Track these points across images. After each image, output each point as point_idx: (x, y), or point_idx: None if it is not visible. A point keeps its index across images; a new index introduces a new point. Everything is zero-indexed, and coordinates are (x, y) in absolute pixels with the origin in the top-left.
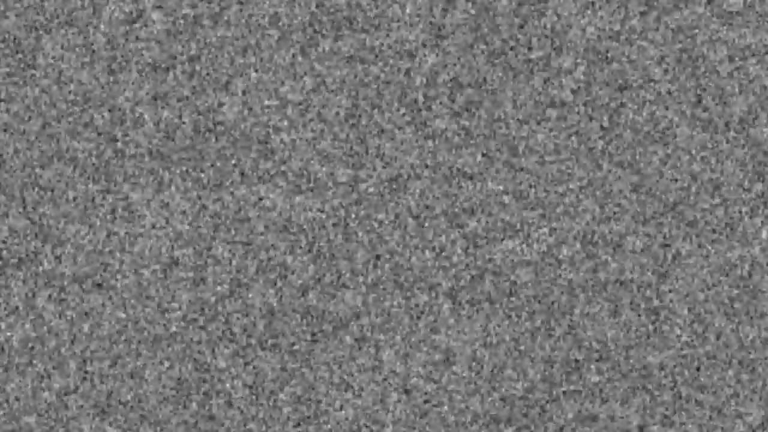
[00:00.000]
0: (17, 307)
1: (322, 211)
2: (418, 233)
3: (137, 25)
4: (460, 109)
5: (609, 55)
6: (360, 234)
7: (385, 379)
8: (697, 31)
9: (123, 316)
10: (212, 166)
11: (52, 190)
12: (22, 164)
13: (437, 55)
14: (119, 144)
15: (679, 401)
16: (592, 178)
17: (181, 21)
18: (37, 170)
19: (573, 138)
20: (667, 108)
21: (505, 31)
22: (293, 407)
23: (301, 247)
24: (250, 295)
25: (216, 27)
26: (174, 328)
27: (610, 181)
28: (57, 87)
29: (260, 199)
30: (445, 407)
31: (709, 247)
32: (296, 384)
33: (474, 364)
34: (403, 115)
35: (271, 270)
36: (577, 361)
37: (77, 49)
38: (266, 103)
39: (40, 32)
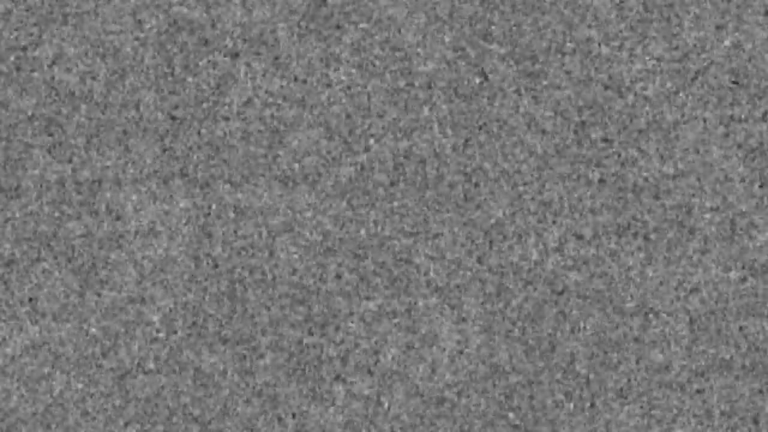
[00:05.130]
0: (17, 307)
1: (321, 211)
2: (418, 233)
3: (137, 24)
4: (461, 109)
5: (609, 55)
6: (360, 234)
7: (384, 379)
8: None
9: (122, 315)
10: (212, 165)
11: (53, 190)
12: (22, 163)
13: (437, 54)
14: (119, 143)
15: (682, 401)
16: (592, 178)
17: (182, 19)
18: (38, 169)
19: (573, 138)
20: (666, 107)
21: (505, 31)
22: (293, 407)
23: (301, 247)
24: (250, 295)
25: (217, 25)
26: (173, 328)
27: (610, 182)
28: (56, 86)
29: (260, 199)
30: (445, 407)
31: (710, 247)
32: (296, 384)
33: (474, 364)
34: (403, 115)
35: (272, 270)
36: (576, 361)
37: (76, 47)
38: (267, 101)
39: (40, 31)
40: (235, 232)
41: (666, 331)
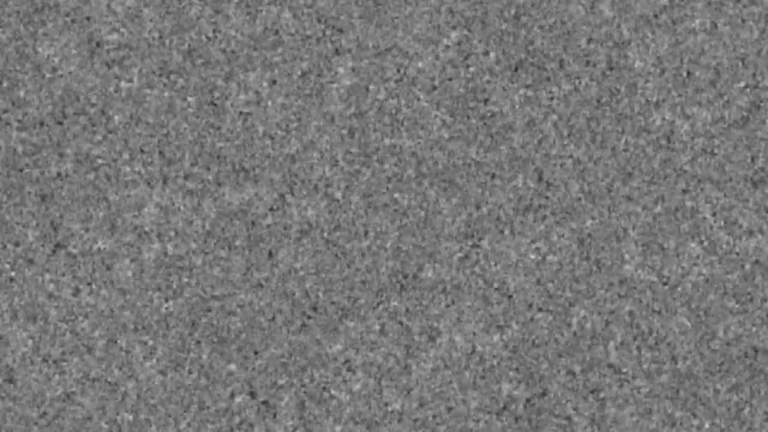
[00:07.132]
0: (18, 307)
1: (321, 211)
2: (419, 233)
3: (137, 22)
4: (461, 109)
5: (610, 56)
6: (360, 234)
7: (383, 378)
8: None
9: (122, 315)
10: (212, 166)
11: (52, 189)
12: (22, 163)
13: (437, 55)
14: (120, 143)
15: (681, 402)
16: (592, 178)
17: (183, 18)
18: (37, 169)
19: (573, 139)
20: (666, 107)
21: (505, 32)
22: (293, 406)
23: (301, 247)
24: (250, 295)
25: (218, 25)
26: (173, 328)
27: (610, 181)
28: (56, 85)
29: (260, 199)
30: (445, 407)
31: (710, 247)
32: (295, 383)
33: (474, 364)
34: (404, 115)
35: (273, 268)
36: (576, 361)
37: (76, 45)
38: (268, 102)
39: (39, 28)
40: (236, 232)
41: (665, 331)
